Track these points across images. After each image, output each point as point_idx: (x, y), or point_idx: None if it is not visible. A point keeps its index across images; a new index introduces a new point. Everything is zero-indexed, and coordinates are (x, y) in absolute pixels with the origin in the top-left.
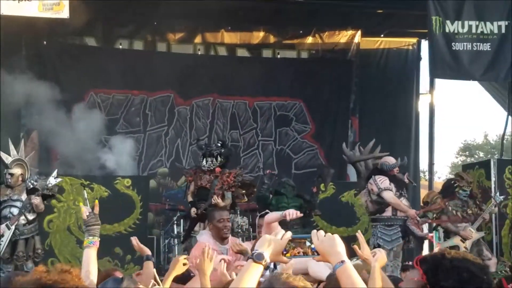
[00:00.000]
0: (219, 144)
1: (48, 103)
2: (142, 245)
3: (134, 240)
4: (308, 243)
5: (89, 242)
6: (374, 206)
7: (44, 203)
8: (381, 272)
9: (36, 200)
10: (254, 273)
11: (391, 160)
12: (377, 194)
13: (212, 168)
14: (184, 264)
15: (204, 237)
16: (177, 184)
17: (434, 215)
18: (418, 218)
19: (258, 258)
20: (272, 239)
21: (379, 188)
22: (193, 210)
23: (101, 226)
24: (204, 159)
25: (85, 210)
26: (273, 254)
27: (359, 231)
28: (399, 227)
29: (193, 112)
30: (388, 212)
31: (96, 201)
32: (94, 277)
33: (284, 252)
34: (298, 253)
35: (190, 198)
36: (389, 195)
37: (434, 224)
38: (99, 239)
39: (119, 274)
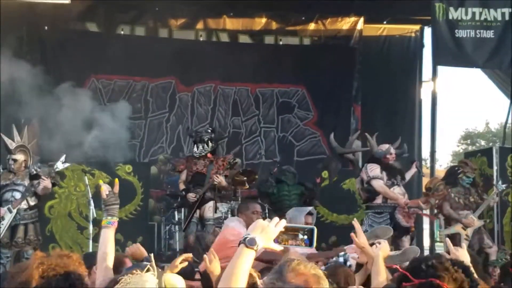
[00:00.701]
0: (209, 130)
1: (49, 88)
2: (140, 250)
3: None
4: (301, 236)
5: (107, 222)
6: (365, 194)
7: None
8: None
9: (44, 182)
10: (247, 258)
11: (383, 147)
12: (366, 182)
13: (204, 154)
14: (181, 263)
15: (235, 224)
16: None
17: (437, 202)
18: (424, 206)
19: (250, 243)
20: (266, 224)
21: (368, 176)
22: (192, 195)
23: (102, 212)
24: (195, 146)
25: (105, 189)
26: (265, 240)
27: (355, 219)
28: (388, 214)
29: (194, 99)
30: (379, 200)
31: (116, 180)
32: (110, 259)
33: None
34: (292, 244)
35: (182, 186)
36: (378, 184)
37: (436, 211)
38: (118, 219)
39: (128, 262)
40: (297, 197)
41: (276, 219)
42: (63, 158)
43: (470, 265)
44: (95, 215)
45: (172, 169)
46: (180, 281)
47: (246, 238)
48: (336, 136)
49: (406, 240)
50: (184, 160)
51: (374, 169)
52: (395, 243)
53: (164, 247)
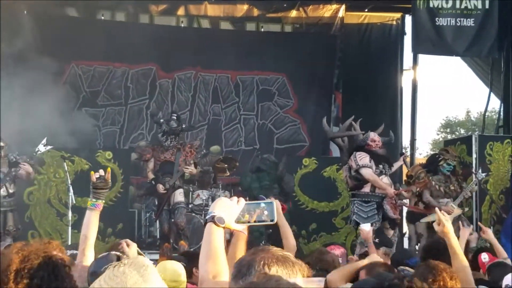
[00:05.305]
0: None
1: (28, 74)
2: None
3: None
4: (262, 204)
5: (92, 204)
6: (353, 182)
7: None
8: None
9: (25, 166)
10: (218, 235)
11: (368, 134)
12: (355, 171)
13: (179, 130)
14: None
15: None
16: None
17: (418, 189)
18: (406, 195)
19: (220, 222)
20: (230, 203)
21: (357, 165)
22: (161, 187)
23: (81, 199)
24: (169, 123)
25: (94, 174)
26: (229, 219)
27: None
28: (375, 203)
29: (175, 86)
30: (367, 188)
31: (109, 169)
32: (90, 243)
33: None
34: (254, 221)
35: (151, 175)
36: (367, 172)
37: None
38: (103, 202)
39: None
40: (279, 188)
41: (235, 197)
42: (44, 141)
43: (456, 238)
44: (74, 202)
45: (137, 158)
46: (179, 266)
47: (214, 216)
48: (316, 123)
49: (391, 232)
50: (151, 149)
51: (363, 158)
52: (381, 234)
53: (144, 234)
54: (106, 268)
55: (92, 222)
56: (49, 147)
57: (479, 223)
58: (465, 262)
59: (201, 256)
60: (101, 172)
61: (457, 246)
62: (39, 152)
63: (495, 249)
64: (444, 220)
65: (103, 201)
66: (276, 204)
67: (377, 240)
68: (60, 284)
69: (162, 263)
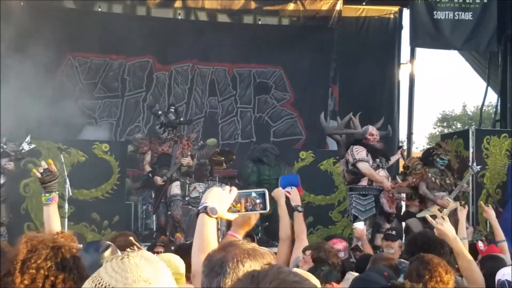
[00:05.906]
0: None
1: (25, 66)
2: None
3: None
4: (254, 194)
5: (46, 200)
6: (350, 175)
7: (20, 167)
8: None
9: (10, 166)
10: (211, 226)
11: (367, 128)
12: (352, 165)
13: (177, 123)
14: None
15: None
16: None
17: (414, 180)
18: (403, 185)
19: (212, 212)
20: (221, 192)
21: (354, 159)
22: (159, 179)
23: (78, 191)
24: (167, 115)
25: (36, 170)
26: (221, 209)
27: None
28: (373, 197)
29: (171, 78)
30: (364, 182)
31: (50, 160)
32: None
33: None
34: (246, 210)
35: (148, 168)
36: (364, 166)
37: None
38: (57, 193)
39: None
40: (276, 182)
41: (227, 187)
42: (28, 138)
43: (457, 237)
44: (70, 194)
45: (134, 151)
46: (178, 258)
47: (207, 207)
48: (313, 116)
49: (386, 226)
50: (148, 142)
51: (360, 152)
52: (377, 226)
53: (141, 227)
54: (104, 258)
55: (52, 216)
56: (33, 146)
57: (479, 202)
58: (470, 258)
59: (193, 248)
60: (44, 165)
61: (458, 246)
62: (23, 151)
63: (494, 230)
64: (437, 224)
65: (57, 192)
66: (279, 192)
67: (394, 232)
68: (68, 275)
69: (161, 256)
